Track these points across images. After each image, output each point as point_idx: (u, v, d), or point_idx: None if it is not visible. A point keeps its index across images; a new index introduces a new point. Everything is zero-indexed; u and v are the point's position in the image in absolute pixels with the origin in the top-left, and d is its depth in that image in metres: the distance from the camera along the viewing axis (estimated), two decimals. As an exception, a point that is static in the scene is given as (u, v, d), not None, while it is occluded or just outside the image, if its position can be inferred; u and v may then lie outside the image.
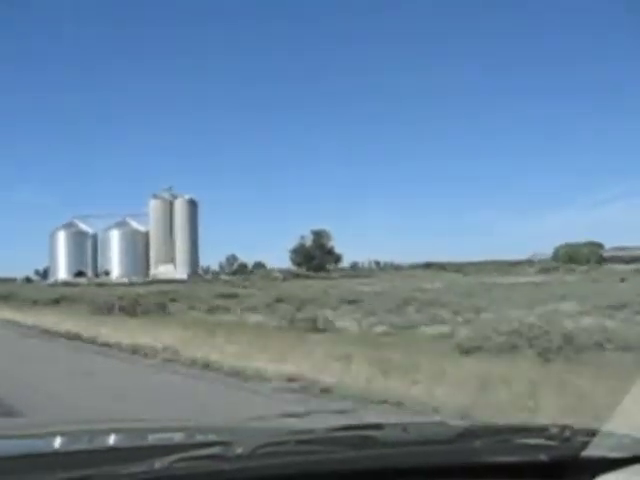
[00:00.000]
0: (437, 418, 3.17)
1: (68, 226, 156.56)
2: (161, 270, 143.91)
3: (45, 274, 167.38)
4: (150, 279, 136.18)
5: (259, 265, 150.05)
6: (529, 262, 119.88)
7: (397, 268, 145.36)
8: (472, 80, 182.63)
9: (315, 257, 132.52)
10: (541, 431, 1.90)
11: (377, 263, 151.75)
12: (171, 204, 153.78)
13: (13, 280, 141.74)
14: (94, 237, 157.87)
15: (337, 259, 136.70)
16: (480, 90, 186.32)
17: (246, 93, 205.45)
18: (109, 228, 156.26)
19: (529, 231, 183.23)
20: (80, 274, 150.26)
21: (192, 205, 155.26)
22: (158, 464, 1.56)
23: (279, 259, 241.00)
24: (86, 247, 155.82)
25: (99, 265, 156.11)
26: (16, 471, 1.61)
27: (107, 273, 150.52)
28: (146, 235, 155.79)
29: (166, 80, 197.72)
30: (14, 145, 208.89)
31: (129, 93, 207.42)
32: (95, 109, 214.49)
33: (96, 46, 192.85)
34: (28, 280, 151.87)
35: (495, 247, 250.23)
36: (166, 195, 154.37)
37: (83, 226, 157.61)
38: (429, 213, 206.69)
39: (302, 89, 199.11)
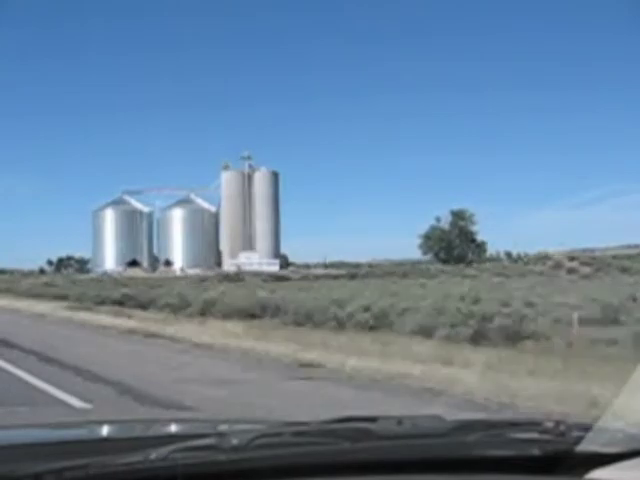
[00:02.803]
0: (432, 412, 1.92)
1: (117, 203, 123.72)
2: (242, 259, 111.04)
3: (59, 264, 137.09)
4: (226, 270, 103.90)
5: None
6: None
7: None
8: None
9: (455, 245, 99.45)
10: (535, 425, 1.92)
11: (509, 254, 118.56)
12: (249, 177, 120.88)
13: (26, 272, 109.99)
14: (149, 217, 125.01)
15: (480, 248, 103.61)
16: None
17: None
18: (169, 207, 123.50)
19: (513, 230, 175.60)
20: (134, 264, 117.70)
21: (274, 179, 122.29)
22: (154, 454, 1.58)
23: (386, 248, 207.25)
24: (140, 230, 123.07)
25: (157, 252, 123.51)
26: (13, 460, 1.64)
27: (169, 263, 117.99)
28: (215, 216, 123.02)
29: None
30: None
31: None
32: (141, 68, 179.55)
33: None
34: (42, 272, 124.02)
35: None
36: (245, 167, 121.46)
37: (136, 203, 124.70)
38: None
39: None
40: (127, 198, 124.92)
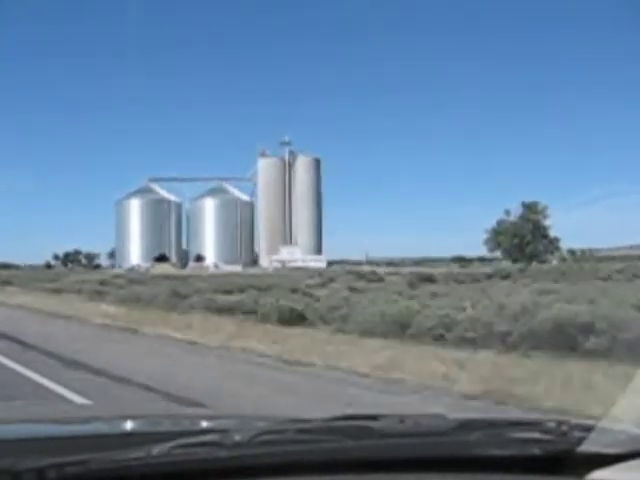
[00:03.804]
0: (435, 411, 2.32)
1: (143, 192, 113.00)
2: (284, 255, 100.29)
3: (66, 258, 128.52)
4: (266, 266, 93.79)
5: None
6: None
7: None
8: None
9: (528, 242, 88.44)
10: (537, 425, 1.93)
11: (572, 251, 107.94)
12: (289, 165, 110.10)
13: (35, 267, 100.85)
14: (178, 208, 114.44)
15: (553, 245, 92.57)
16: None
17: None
18: (200, 197, 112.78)
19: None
20: (162, 259, 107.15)
21: (316, 166, 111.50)
22: (155, 450, 1.58)
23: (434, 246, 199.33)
24: (168, 221, 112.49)
25: (187, 246, 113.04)
26: (14, 454, 1.63)
27: (200, 258, 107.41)
28: (250, 206, 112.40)
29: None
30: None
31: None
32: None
33: None
34: (49, 267, 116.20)
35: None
36: (285, 153, 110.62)
37: (163, 192, 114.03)
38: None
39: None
40: (153, 186, 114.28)
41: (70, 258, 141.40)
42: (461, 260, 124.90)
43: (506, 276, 38.07)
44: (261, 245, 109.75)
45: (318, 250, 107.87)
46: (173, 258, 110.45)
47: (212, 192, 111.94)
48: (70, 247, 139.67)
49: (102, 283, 37.93)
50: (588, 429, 1.84)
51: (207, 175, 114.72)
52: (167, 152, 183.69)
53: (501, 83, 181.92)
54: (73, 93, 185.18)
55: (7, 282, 42.21)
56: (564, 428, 1.85)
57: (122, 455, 1.58)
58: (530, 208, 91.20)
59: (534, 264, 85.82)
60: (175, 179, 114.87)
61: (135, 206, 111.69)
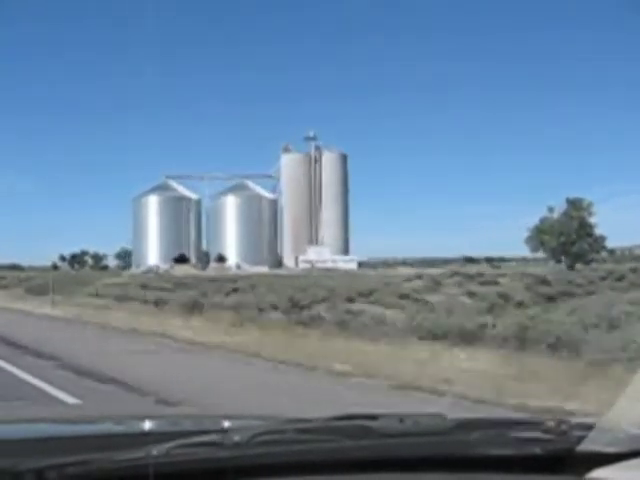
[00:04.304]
0: (434, 410, 2.12)
1: (161, 189, 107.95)
2: (311, 255, 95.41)
3: (72, 260, 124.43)
4: (291, 267, 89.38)
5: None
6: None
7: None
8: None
9: (573, 241, 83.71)
10: (537, 425, 1.93)
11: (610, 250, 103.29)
12: (315, 160, 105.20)
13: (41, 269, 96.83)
14: (198, 205, 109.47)
15: (598, 244, 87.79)
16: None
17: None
18: (220, 194, 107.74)
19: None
20: (181, 260, 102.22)
21: (343, 162, 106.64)
22: (155, 450, 1.58)
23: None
24: (187, 220, 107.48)
25: (207, 246, 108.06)
26: (13, 455, 1.64)
27: (222, 259, 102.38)
28: (274, 204, 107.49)
29: None
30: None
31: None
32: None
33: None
34: (55, 268, 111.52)
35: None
36: (311, 149, 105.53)
37: (182, 189, 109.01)
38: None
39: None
40: (171, 183, 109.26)
41: (77, 259, 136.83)
42: (470, 260, 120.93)
43: (619, 278, 33.35)
44: (285, 244, 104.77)
45: (345, 250, 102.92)
46: (192, 259, 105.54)
47: (233, 189, 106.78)
48: (75, 248, 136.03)
49: (143, 287, 33.08)
50: (588, 428, 1.83)
51: (227, 172, 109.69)
52: (181, 151, 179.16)
53: (512, 83, 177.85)
54: (82, 93, 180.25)
55: (39, 291, 34.56)
56: (564, 427, 1.84)
57: (122, 455, 1.57)
58: (574, 204, 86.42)
59: (578, 265, 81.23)
60: (193, 176, 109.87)
61: (153, 203, 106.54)
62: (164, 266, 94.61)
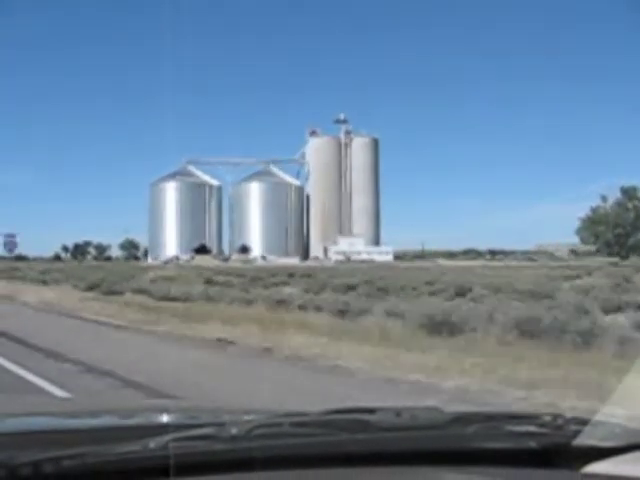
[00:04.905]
0: (431, 404, 2.53)
1: (181, 175, 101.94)
2: (343, 246, 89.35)
3: (76, 250, 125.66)
4: (321, 258, 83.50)
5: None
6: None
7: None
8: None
9: (627, 232, 77.44)
10: (533, 419, 1.95)
11: None
12: (345, 145, 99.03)
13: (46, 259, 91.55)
14: (219, 193, 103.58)
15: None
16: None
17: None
18: (244, 180, 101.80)
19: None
20: (202, 250, 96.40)
21: (375, 147, 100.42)
22: (152, 443, 1.58)
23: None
24: (209, 208, 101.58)
25: (230, 235, 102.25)
26: (9, 448, 1.64)
27: (245, 249, 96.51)
28: (301, 191, 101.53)
29: None
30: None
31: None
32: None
33: None
34: (58, 258, 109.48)
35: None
36: (340, 133, 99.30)
37: (203, 175, 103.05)
38: None
39: None
40: (192, 169, 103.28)
41: (80, 249, 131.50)
42: (495, 253, 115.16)
43: None
44: (312, 234, 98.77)
45: (376, 241, 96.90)
46: (214, 250, 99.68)
47: (258, 175, 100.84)
48: (77, 239, 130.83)
49: (208, 281, 27.22)
50: (584, 422, 1.84)
51: (250, 157, 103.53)
52: (201, 134, 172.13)
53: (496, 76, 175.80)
54: (93, 80, 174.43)
55: (104, 289, 25.84)
56: (560, 421, 1.85)
57: (119, 448, 1.57)
58: (629, 193, 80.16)
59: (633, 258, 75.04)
60: (214, 162, 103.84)
61: (171, 189, 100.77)
62: (184, 257, 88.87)
